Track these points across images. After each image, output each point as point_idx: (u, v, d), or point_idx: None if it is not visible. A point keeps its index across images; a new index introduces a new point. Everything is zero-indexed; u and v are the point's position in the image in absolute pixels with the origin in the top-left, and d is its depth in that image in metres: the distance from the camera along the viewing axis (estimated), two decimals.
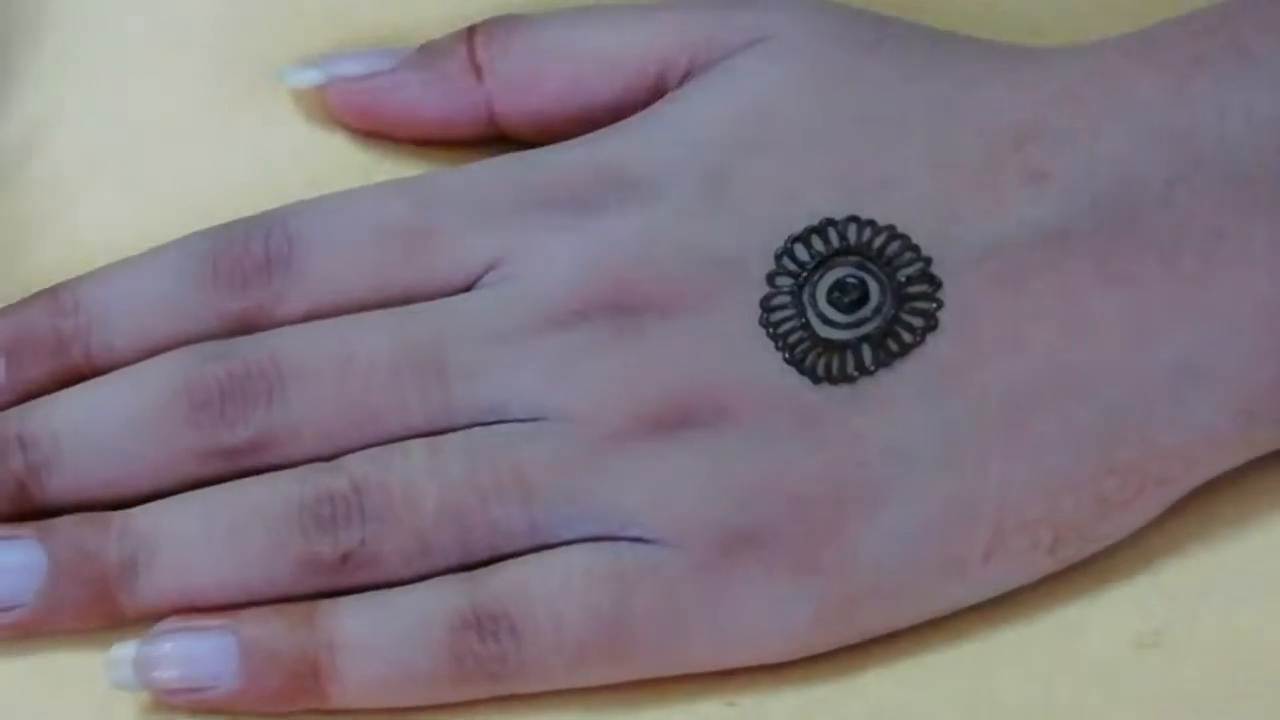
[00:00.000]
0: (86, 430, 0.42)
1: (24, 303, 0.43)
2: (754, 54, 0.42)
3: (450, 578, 0.40)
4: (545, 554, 0.40)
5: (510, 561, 0.40)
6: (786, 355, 0.40)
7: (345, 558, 0.40)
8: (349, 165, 0.45)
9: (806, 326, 0.40)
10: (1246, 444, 0.40)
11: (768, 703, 0.41)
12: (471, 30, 0.44)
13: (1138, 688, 0.40)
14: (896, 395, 0.40)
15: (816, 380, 0.40)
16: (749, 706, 0.41)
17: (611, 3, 0.44)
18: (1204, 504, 0.41)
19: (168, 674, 0.40)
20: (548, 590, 0.40)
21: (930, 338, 0.40)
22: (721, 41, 0.43)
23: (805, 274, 0.41)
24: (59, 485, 0.42)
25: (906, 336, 0.40)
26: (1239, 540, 0.42)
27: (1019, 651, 0.41)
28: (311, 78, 0.44)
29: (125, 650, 0.40)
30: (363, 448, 0.41)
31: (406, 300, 0.42)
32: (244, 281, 0.42)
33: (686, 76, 0.43)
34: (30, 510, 0.42)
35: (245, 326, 0.42)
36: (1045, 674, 0.40)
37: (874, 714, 0.40)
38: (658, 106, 0.43)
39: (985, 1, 0.45)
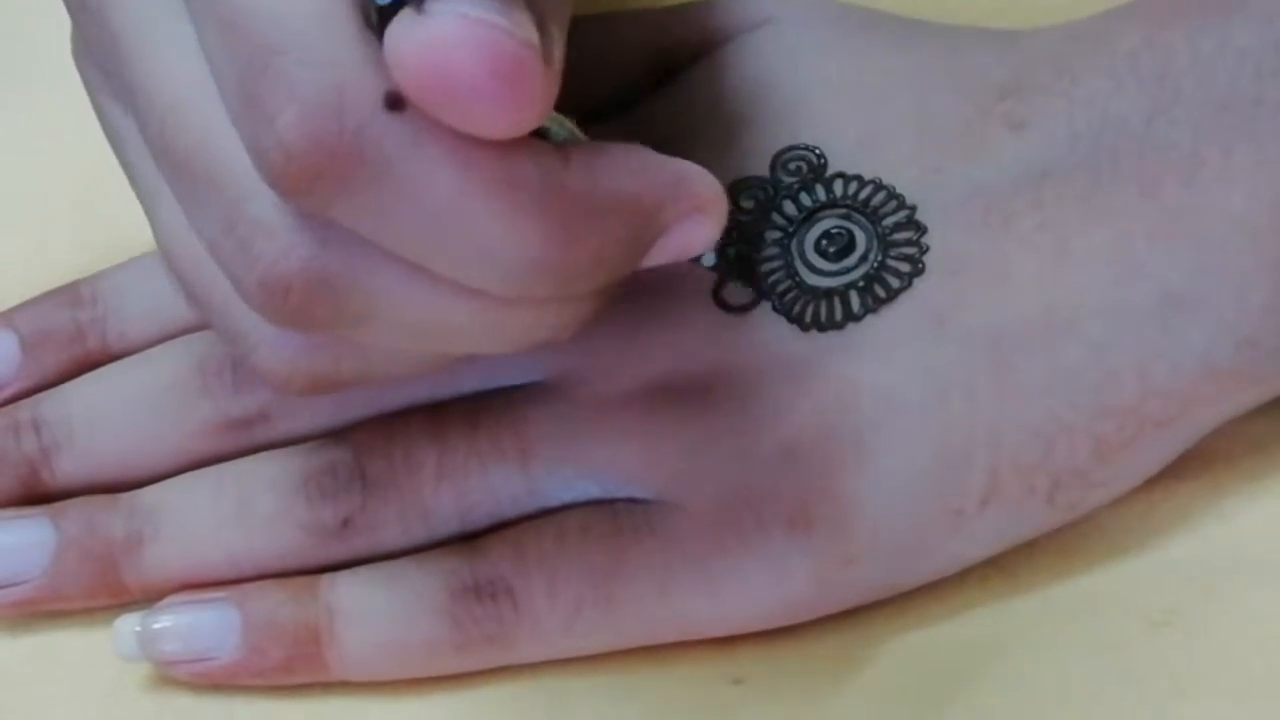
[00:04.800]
0: (100, 410, 0.42)
1: (44, 296, 0.44)
2: (751, 37, 0.42)
3: (450, 546, 0.40)
4: (542, 517, 0.39)
5: (509, 527, 0.40)
6: (775, 305, 0.39)
7: (346, 523, 0.40)
8: None
9: (794, 276, 0.39)
10: (1248, 379, 0.38)
11: (773, 680, 0.39)
12: None
13: (1150, 667, 0.38)
14: (885, 340, 0.39)
15: (805, 328, 0.39)
16: (754, 684, 0.39)
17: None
18: (1216, 479, 0.40)
19: (171, 646, 0.40)
20: (543, 550, 0.39)
21: (917, 282, 0.39)
22: (722, 28, 0.43)
23: (793, 228, 0.40)
24: (70, 468, 0.42)
25: (893, 282, 0.39)
26: (1253, 517, 0.40)
27: (1030, 629, 0.39)
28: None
29: (130, 622, 0.40)
30: (369, 419, 0.41)
31: None
32: None
33: (689, 62, 0.43)
34: (41, 495, 0.42)
35: None
36: (1057, 652, 0.39)
37: (882, 691, 0.39)
38: (660, 90, 0.43)
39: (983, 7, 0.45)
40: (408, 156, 0.32)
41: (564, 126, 0.35)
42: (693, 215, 0.35)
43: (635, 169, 0.34)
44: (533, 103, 0.31)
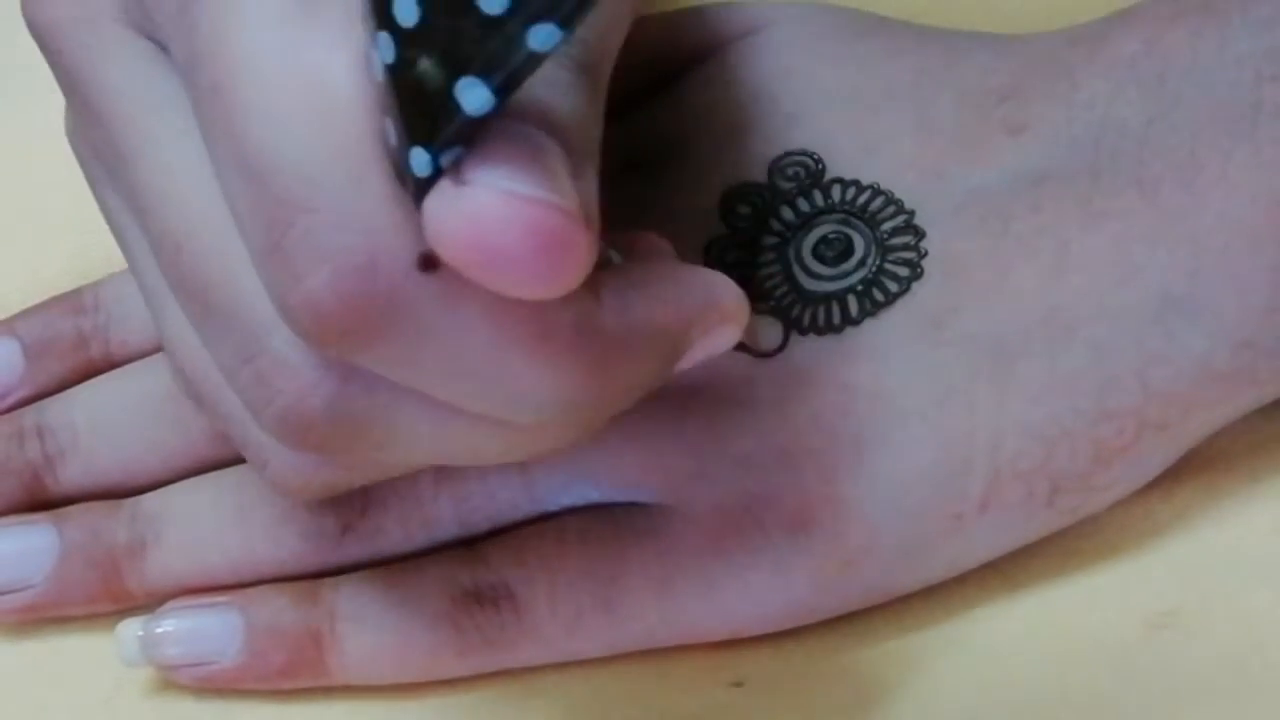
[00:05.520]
0: (102, 417, 0.42)
1: (46, 303, 0.43)
2: (749, 43, 0.42)
3: (451, 551, 0.39)
4: (542, 521, 0.39)
5: (510, 531, 0.39)
6: (772, 307, 0.39)
7: (347, 528, 0.39)
8: None
9: (791, 280, 0.39)
10: (1248, 381, 0.38)
11: (774, 683, 0.39)
12: None
13: (1149, 669, 0.38)
14: (883, 345, 0.38)
15: (803, 332, 0.39)
16: (755, 687, 0.39)
17: None
18: (1215, 481, 0.40)
19: (172, 650, 0.39)
20: (543, 554, 0.39)
21: (915, 286, 0.38)
22: (720, 35, 0.42)
23: (790, 233, 0.40)
24: (73, 474, 0.41)
25: (892, 286, 0.39)
26: (1252, 519, 0.40)
27: (1030, 631, 0.39)
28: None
29: (132, 627, 0.40)
30: None
31: None
32: None
33: (687, 69, 0.43)
34: (44, 501, 0.42)
35: None
36: (1056, 654, 0.39)
37: (883, 693, 0.39)
38: (658, 96, 0.43)
39: (985, 8, 0.45)
40: (439, 315, 0.31)
41: None
42: (718, 326, 0.35)
43: (667, 297, 0.34)
44: (578, 270, 0.30)
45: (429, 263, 0.31)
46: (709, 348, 0.35)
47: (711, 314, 0.35)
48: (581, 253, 0.30)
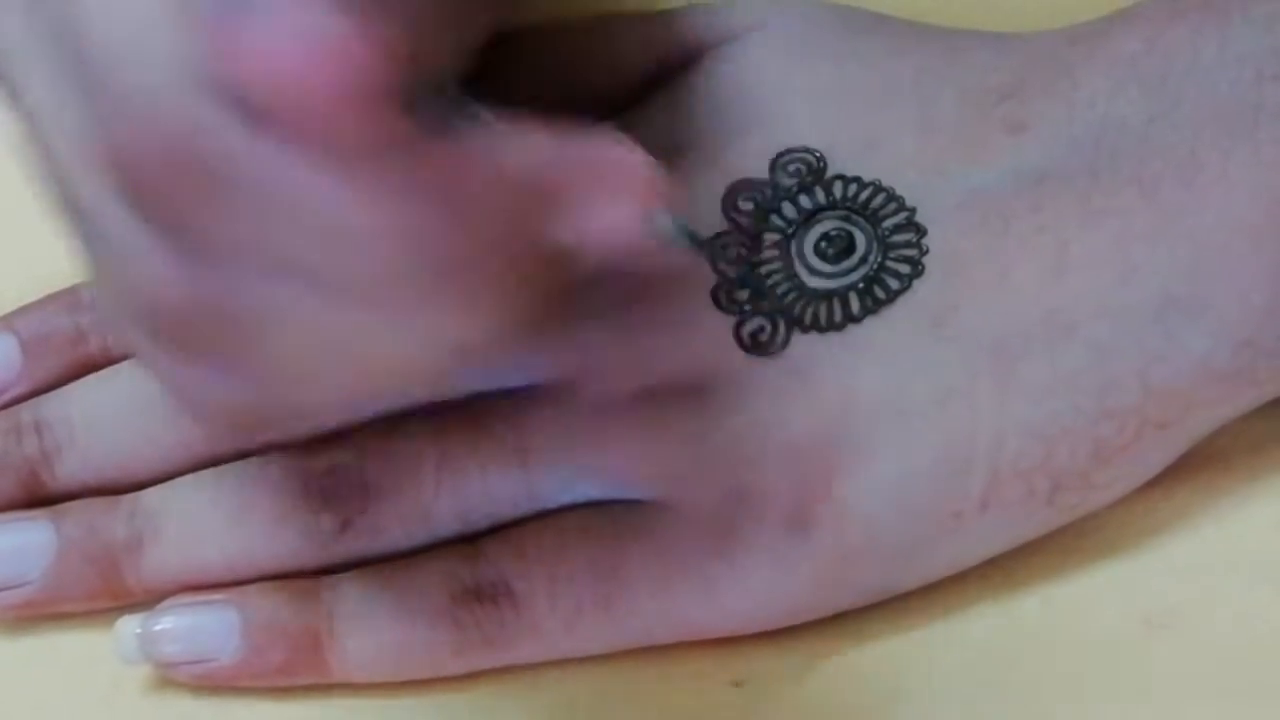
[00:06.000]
0: (100, 413, 0.41)
1: (44, 300, 0.43)
2: (750, 40, 0.42)
3: (450, 547, 0.39)
4: (542, 518, 0.39)
5: (509, 528, 0.39)
6: (775, 305, 0.39)
7: (346, 525, 0.39)
8: None
9: (794, 278, 0.39)
10: (1248, 381, 0.38)
11: (774, 682, 0.39)
12: None
13: (1149, 668, 0.38)
14: (885, 343, 0.38)
15: (805, 330, 0.39)
16: (755, 685, 0.39)
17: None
18: (1215, 480, 0.40)
19: (171, 648, 0.39)
20: (543, 551, 0.39)
21: (916, 284, 0.38)
22: (720, 31, 0.42)
23: (792, 230, 0.40)
24: (70, 470, 0.41)
25: (893, 284, 0.39)
26: (1252, 518, 0.40)
27: (1030, 629, 0.39)
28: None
29: (130, 624, 0.39)
30: (370, 420, 0.40)
31: None
32: None
33: (686, 65, 0.42)
34: (42, 497, 0.41)
35: None
36: (1057, 652, 0.39)
37: (881, 692, 0.39)
38: (658, 93, 0.42)
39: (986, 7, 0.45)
40: (246, 152, 0.30)
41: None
42: (611, 193, 0.32)
43: (533, 144, 0.32)
44: (370, 87, 0.29)
45: (228, 98, 0.30)
46: (601, 218, 0.32)
47: (596, 171, 0.32)
48: (371, 71, 0.29)
